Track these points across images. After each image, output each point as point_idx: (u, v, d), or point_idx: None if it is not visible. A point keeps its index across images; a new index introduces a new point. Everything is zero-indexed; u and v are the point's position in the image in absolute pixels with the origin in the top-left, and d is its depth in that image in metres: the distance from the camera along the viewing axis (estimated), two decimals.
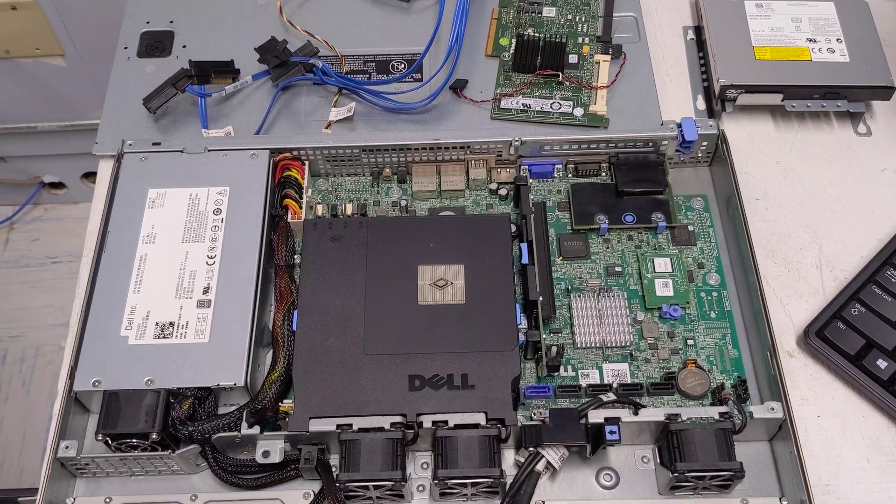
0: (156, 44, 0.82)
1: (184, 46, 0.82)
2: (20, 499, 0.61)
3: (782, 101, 0.74)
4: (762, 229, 0.70)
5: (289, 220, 0.68)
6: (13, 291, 1.68)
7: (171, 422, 0.59)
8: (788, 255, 0.69)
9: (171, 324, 0.63)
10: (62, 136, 1.54)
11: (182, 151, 0.71)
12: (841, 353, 0.63)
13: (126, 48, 0.82)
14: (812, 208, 0.72)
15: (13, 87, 1.44)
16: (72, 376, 0.61)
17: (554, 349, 0.63)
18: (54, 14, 1.29)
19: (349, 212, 0.70)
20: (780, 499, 0.56)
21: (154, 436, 0.58)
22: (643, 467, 0.61)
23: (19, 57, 1.38)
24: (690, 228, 0.70)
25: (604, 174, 0.73)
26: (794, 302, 0.67)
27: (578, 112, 0.75)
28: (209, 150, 0.70)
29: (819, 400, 0.63)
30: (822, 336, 0.64)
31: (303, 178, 0.70)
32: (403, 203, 0.72)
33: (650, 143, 0.70)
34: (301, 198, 0.69)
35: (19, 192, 1.71)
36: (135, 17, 0.84)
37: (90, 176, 1.65)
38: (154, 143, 0.71)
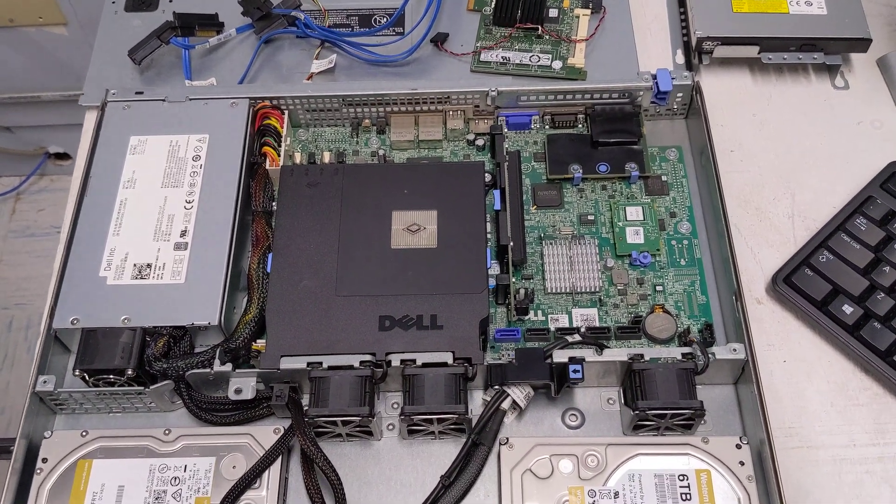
0: None
1: (170, 0, 0.83)
2: (11, 448, 0.63)
3: (759, 53, 0.74)
4: (736, 180, 0.70)
5: (267, 167, 0.69)
6: (20, 261, 1.70)
7: (147, 359, 0.61)
8: (761, 205, 0.70)
9: (149, 265, 0.64)
10: (67, 105, 1.56)
11: (164, 100, 0.72)
12: (808, 299, 0.63)
13: (114, 2, 0.83)
14: (786, 160, 0.72)
15: (17, 56, 1.45)
16: (52, 315, 0.62)
17: (522, 292, 0.64)
18: None
19: (327, 160, 0.71)
20: (740, 437, 0.57)
21: (129, 372, 0.60)
22: (608, 408, 0.62)
23: (23, 25, 1.39)
24: (664, 178, 0.70)
25: (580, 125, 0.73)
26: (764, 250, 0.67)
27: (557, 65, 0.75)
28: (190, 99, 0.71)
29: (786, 345, 0.64)
30: (789, 282, 0.64)
31: (282, 127, 0.71)
32: (382, 153, 0.73)
33: (626, 94, 0.71)
34: (280, 146, 0.70)
35: (25, 162, 1.73)
36: None
37: None
38: (137, 93, 0.72)
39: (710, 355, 0.58)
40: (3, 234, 1.73)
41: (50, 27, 1.40)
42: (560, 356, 0.58)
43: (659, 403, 0.56)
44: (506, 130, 0.72)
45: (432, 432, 0.60)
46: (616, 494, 0.55)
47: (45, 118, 1.60)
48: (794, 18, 0.74)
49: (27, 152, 1.71)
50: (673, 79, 0.70)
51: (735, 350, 0.58)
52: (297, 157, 0.71)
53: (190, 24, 0.78)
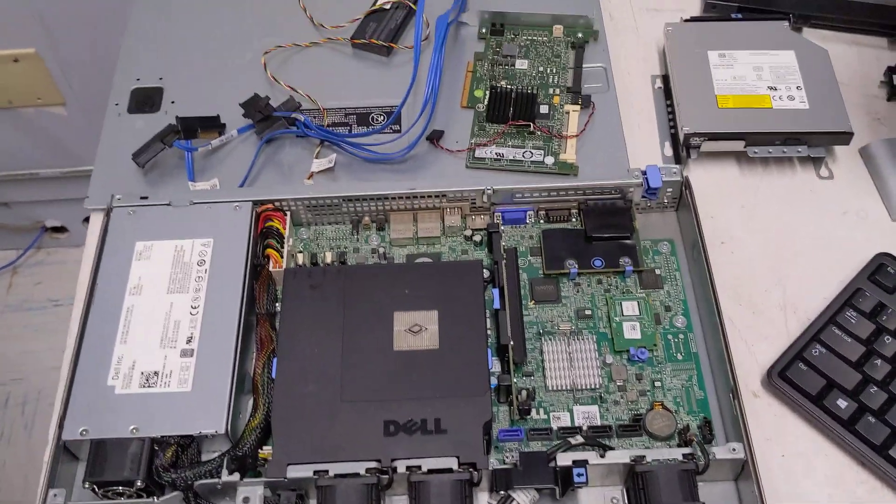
0: (145, 100, 0.85)
1: (172, 102, 0.85)
2: None
3: (745, 147, 0.76)
4: (727, 272, 0.72)
5: (270, 269, 0.71)
6: (16, 335, 1.70)
7: (155, 469, 0.61)
8: (753, 297, 0.71)
9: (156, 373, 0.65)
10: (63, 181, 1.58)
11: (168, 205, 0.73)
12: (803, 394, 0.65)
13: (117, 104, 0.85)
14: (776, 251, 0.74)
15: (16, 135, 1.47)
16: (61, 425, 0.63)
17: (524, 393, 0.65)
18: (55, 65, 1.33)
19: (329, 260, 0.73)
20: None
21: (139, 483, 0.60)
22: None
23: (22, 106, 1.42)
24: (658, 272, 0.72)
25: (574, 220, 0.75)
26: (759, 343, 0.69)
27: (549, 160, 0.78)
28: (194, 203, 0.73)
29: (783, 439, 0.65)
30: (784, 377, 0.65)
31: (284, 228, 0.73)
32: (382, 250, 0.75)
33: (617, 190, 0.73)
34: (282, 247, 0.72)
35: (22, 236, 1.75)
36: (126, 74, 0.88)
37: None
38: (142, 197, 0.74)
39: (710, 455, 0.59)
40: (0, 309, 1.74)
41: (48, 107, 1.43)
42: (564, 459, 0.60)
43: None
44: (502, 227, 0.74)
45: None
46: None
47: (43, 193, 1.62)
48: (778, 113, 0.77)
49: (24, 227, 1.72)
50: (662, 175, 0.72)
51: (734, 450, 0.60)
52: (301, 258, 0.73)
53: (192, 128, 0.80)
